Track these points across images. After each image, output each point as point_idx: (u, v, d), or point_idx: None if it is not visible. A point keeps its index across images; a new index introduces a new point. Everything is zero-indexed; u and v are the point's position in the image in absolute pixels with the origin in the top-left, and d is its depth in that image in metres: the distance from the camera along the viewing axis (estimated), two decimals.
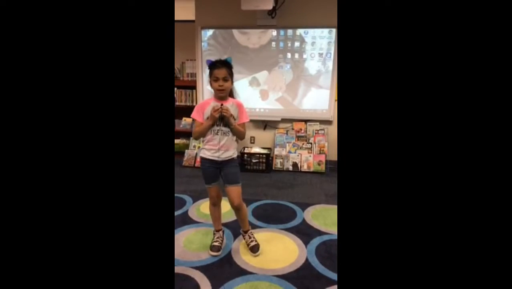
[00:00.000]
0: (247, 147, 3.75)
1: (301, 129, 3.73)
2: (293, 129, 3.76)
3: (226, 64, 1.72)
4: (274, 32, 3.49)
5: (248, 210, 2.46)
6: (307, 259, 1.89)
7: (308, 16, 3.38)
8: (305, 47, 3.48)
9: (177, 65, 4.01)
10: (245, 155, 3.55)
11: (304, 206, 2.62)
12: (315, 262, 1.87)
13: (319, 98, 3.60)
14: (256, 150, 3.69)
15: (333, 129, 3.65)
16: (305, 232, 2.21)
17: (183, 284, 1.66)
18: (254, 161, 3.56)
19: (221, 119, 1.75)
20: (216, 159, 1.80)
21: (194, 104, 3.97)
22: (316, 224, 2.33)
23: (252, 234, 2.01)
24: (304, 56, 3.51)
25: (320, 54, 3.47)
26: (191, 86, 3.95)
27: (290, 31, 3.46)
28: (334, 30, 3.38)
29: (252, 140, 3.88)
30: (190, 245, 2.03)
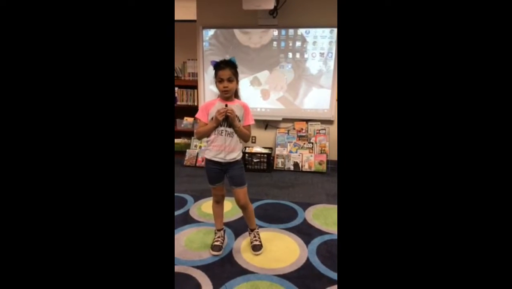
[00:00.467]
0: (248, 147, 3.74)
1: (302, 129, 3.73)
2: (294, 129, 3.76)
3: (230, 65, 1.70)
4: (275, 32, 3.49)
5: None
6: (308, 259, 1.89)
7: (310, 16, 3.38)
8: (306, 47, 3.48)
9: (178, 65, 4.01)
10: (247, 155, 3.56)
11: (305, 206, 2.62)
12: (316, 262, 1.87)
13: (320, 98, 3.60)
14: (257, 149, 3.69)
15: (334, 129, 3.65)
16: (306, 232, 2.21)
17: (184, 284, 1.66)
18: (255, 160, 3.56)
19: (226, 120, 1.74)
20: (221, 160, 1.79)
21: (196, 104, 3.97)
22: (317, 223, 2.33)
23: (258, 234, 2.01)
24: (306, 56, 3.50)
25: (322, 54, 3.47)
26: (193, 86, 3.96)
27: (291, 31, 3.46)
28: (335, 30, 3.37)
29: (253, 140, 3.88)
30: (191, 245, 2.03)
